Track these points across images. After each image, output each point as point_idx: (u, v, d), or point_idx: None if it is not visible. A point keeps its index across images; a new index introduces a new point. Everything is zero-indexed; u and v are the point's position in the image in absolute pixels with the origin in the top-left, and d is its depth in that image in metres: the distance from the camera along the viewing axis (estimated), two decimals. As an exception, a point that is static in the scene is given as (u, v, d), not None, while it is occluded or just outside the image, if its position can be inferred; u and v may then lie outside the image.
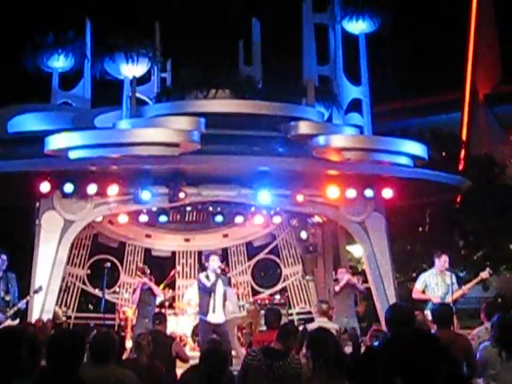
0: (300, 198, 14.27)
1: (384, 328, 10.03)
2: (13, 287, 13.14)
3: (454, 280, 13.72)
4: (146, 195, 13.70)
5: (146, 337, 8.99)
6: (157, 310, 15.85)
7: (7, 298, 12.94)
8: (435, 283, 13.61)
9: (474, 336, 9.69)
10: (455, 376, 3.89)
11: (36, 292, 13.19)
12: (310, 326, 12.10)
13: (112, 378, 6.32)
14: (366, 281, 15.46)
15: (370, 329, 11.64)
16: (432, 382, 3.83)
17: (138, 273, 15.26)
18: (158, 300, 15.46)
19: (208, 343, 7.73)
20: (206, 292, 13.37)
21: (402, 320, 5.99)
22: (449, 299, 12.99)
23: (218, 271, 13.67)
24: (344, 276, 14.88)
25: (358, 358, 6.57)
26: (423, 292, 13.72)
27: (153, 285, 15.06)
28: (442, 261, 13.72)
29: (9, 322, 12.45)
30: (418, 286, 13.82)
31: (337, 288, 14.74)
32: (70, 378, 5.33)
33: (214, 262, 13.69)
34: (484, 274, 14.33)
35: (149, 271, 15.43)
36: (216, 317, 13.12)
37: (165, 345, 10.27)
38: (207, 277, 13.57)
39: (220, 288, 13.43)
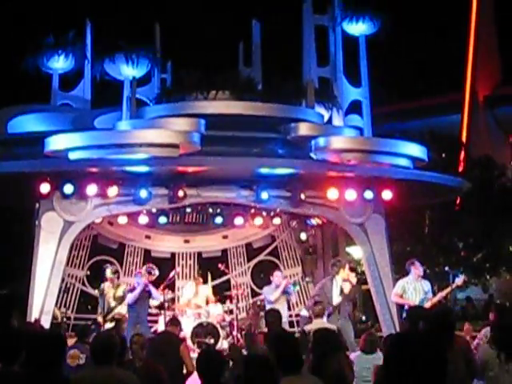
0: (303, 196, 14.28)
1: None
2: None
3: (429, 287, 13.95)
4: (143, 193, 13.69)
5: (139, 340, 8.99)
6: (155, 311, 15.85)
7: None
8: (413, 288, 13.72)
9: (482, 336, 9.72)
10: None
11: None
12: (308, 327, 12.11)
13: (113, 379, 6.34)
14: (365, 282, 15.47)
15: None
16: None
17: (144, 272, 15.14)
18: (156, 302, 15.41)
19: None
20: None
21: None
22: (426, 305, 12.99)
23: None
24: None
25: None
26: (401, 297, 13.79)
27: (152, 288, 14.99)
28: (418, 269, 13.89)
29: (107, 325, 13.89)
30: (397, 290, 13.85)
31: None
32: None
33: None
34: (459, 281, 14.42)
35: (157, 273, 15.41)
36: None
37: (173, 346, 10.50)
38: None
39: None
